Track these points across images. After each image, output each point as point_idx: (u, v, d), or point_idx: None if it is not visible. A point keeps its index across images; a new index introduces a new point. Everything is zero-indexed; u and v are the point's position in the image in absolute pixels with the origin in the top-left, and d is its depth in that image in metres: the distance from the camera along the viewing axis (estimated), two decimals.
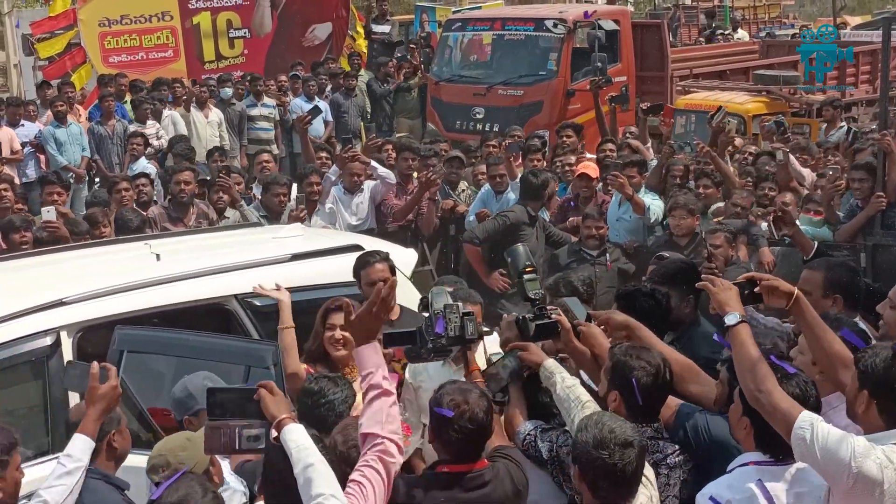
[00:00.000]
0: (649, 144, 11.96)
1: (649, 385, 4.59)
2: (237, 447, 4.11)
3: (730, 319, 4.38)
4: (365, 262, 6.83)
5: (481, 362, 5.18)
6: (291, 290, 6.97)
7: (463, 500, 4.27)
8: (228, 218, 10.29)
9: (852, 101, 19.24)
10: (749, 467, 4.16)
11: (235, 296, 6.78)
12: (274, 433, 4.03)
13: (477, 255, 9.77)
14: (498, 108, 16.79)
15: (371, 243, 7.98)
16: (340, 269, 7.02)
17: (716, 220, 9.65)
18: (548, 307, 5.06)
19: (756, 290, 4.54)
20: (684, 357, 5.02)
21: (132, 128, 15.15)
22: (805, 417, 4.02)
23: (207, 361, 5.93)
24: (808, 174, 11.24)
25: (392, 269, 6.81)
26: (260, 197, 10.54)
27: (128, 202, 10.13)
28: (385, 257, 6.86)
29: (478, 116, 16.94)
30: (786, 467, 4.14)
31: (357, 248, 7.57)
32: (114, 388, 4.69)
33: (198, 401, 5.30)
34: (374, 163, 10.88)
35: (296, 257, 7.29)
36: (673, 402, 4.83)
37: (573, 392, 4.67)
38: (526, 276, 5.06)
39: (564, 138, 12.74)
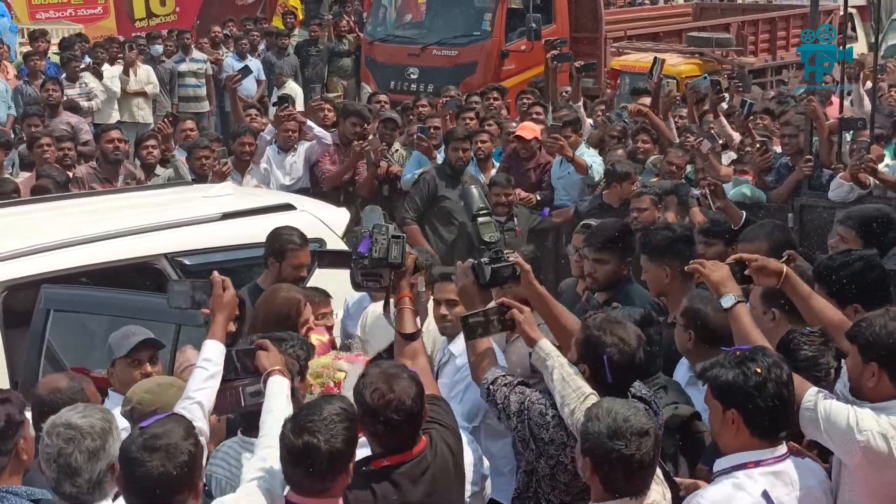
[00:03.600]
0: (580, 104, 12.02)
1: (622, 363, 4.36)
2: (243, 404, 4.36)
3: (726, 301, 4.26)
4: (293, 243, 6.56)
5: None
6: (222, 249, 6.96)
7: (415, 493, 4.06)
8: (158, 176, 10.17)
9: (783, 64, 19.48)
10: (751, 471, 3.89)
11: (165, 255, 6.73)
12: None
13: (417, 233, 9.66)
14: (432, 68, 16.76)
15: (303, 203, 7.97)
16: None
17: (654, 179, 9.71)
18: (504, 251, 4.81)
19: (746, 271, 4.45)
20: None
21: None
22: (810, 394, 3.97)
23: (137, 320, 5.86)
24: (736, 136, 11.37)
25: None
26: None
27: (50, 158, 9.95)
28: (307, 242, 6.61)
29: (412, 77, 16.88)
30: (784, 462, 3.93)
31: (289, 207, 7.55)
32: (234, 296, 4.74)
33: (113, 351, 5.33)
34: (310, 122, 10.81)
35: (226, 216, 7.25)
36: None
37: (574, 381, 4.33)
38: (480, 220, 4.85)
39: (525, 99, 12.77)
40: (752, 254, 5.59)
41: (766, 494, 3.83)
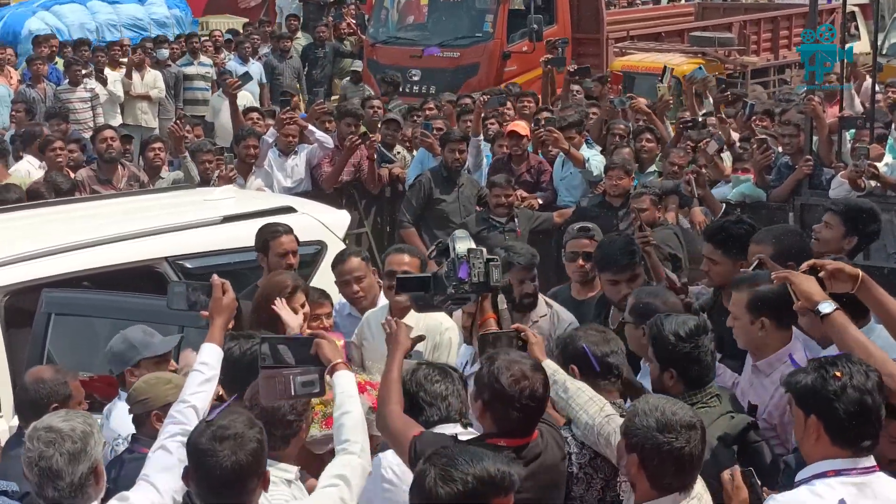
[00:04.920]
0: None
1: (600, 346, 4.60)
2: (293, 394, 4.21)
3: (824, 308, 4.09)
4: (274, 231, 6.64)
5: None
6: (223, 252, 6.99)
7: (525, 475, 3.99)
8: (163, 178, 10.21)
9: (785, 63, 19.50)
10: (830, 480, 3.70)
11: (166, 258, 6.75)
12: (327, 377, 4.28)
13: (414, 237, 9.71)
14: (434, 70, 16.80)
15: (304, 205, 7.99)
16: None
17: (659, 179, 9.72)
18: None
19: (820, 275, 4.26)
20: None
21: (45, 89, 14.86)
22: None
23: (139, 323, 5.88)
24: (734, 136, 11.39)
25: (297, 240, 6.65)
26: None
27: (62, 162, 10.03)
28: (290, 230, 6.65)
29: (414, 78, 16.91)
30: (871, 476, 3.73)
31: (289, 209, 7.57)
32: (233, 300, 4.73)
33: (139, 351, 5.35)
34: (311, 126, 10.84)
35: (227, 219, 7.27)
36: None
37: (588, 391, 4.43)
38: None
39: (525, 102, 12.80)
40: (762, 254, 5.56)
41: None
